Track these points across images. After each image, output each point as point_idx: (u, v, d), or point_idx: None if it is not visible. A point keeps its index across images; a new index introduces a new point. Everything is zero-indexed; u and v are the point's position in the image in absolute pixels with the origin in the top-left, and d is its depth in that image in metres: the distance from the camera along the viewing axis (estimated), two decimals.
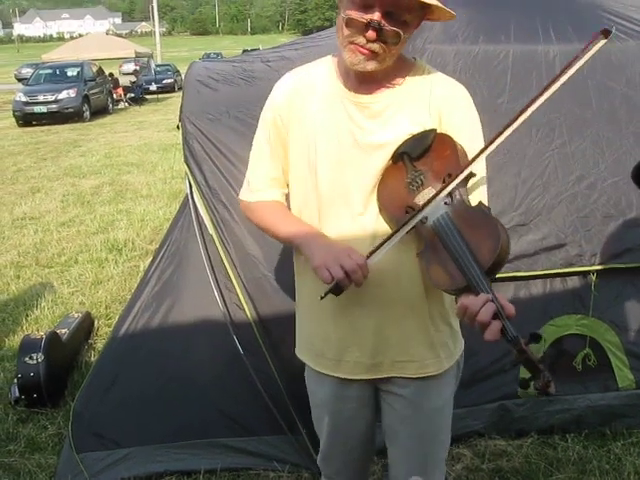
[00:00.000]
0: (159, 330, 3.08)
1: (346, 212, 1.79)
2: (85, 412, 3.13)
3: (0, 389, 3.96)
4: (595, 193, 3.07)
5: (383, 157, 1.76)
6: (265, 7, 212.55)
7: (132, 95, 25.29)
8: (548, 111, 3.02)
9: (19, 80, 34.67)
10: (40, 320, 4.99)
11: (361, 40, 1.63)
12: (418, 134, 1.74)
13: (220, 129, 3.13)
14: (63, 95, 19.74)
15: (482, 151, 1.68)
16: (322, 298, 1.73)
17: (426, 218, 1.68)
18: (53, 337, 3.93)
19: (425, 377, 1.90)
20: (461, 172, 1.66)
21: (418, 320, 1.86)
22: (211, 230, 3.05)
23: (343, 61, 1.73)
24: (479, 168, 1.75)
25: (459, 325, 1.96)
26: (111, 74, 25.04)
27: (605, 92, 3.15)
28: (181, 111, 3.19)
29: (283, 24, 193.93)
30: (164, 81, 28.93)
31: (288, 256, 2.88)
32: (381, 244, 1.71)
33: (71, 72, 21.81)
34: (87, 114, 20.23)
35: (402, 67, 1.79)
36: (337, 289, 1.70)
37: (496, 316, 1.49)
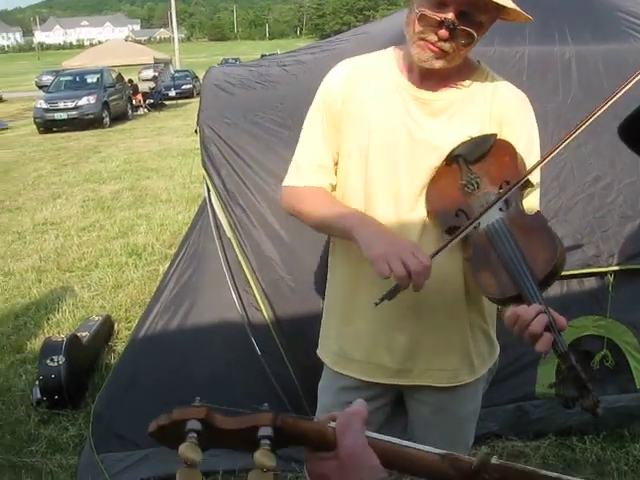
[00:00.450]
0: (178, 332, 3.11)
1: (393, 209, 1.73)
2: (105, 413, 3.16)
3: (22, 391, 4.00)
4: (612, 194, 3.06)
5: (438, 156, 1.71)
6: (283, 12, 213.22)
7: (151, 101, 25.43)
8: (563, 112, 3.02)
9: (40, 87, 34.93)
10: (61, 323, 5.04)
11: (432, 37, 1.59)
12: (477, 138, 1.70)
13: (237, 133, 3.15)
14: (83, 102, 19.89)
15: (543, 160, 1.66)
16: (377, 304, 1.60)
17: (479, 223, 1.64)
18: (74, 340, 3.98)
19: (456, 386, 1.85)
20: (522, 179, 1.63)
21: (456, 328, 1.81)
22: (229, 233, 3.08)
23: (408, 55, 1.70)
24: (536, 177, 1.72)
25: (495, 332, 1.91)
26: (130, 80, 25.21)
27: None
28: (199, 116, 3.22)
29: (301, 29, 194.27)
30: (183, 87, 29.07)
31: (305, 258, 2.92)
32: (442, 247, 1.62)
33: (91, 79, 21.98)
34: (107, 120, 20.36)
35: (466, 68, 1.75)
36: (393, 293, 1.57)
37: (548, 328, 1.45)
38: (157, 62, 32.54)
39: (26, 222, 8.37)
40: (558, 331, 1.46)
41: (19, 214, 8.86)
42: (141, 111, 24.42)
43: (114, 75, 22.97)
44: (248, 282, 3.04)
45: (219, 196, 3.10)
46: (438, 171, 1.71)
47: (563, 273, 3.01)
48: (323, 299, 1.99)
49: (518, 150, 1.69)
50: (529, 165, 1.68)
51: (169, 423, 0.84)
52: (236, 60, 36.40)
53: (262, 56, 6.19)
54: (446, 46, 1.59)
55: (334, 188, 1.84)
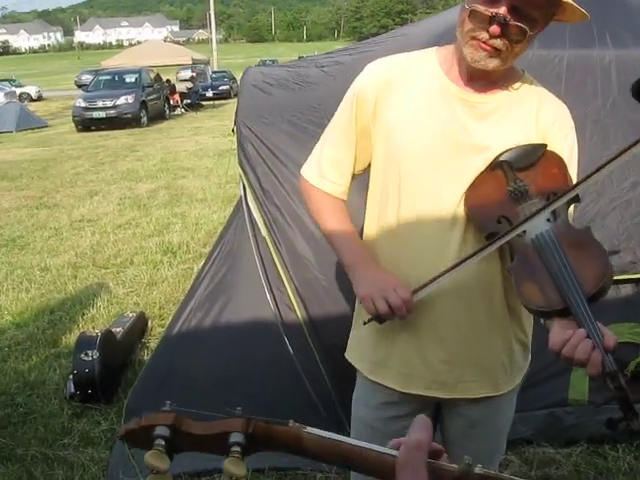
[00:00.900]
0: (211, 329, 3.14)
1: (433, 212, 1.70)
2: (137, 408, 3.19)
3: (56, 385, 4.07)
4: None
5: (483, 161, 1.67)
6: (321, 15, 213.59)
7: (188, 101, 25.64)
8: (602, 117, 2.99)
9: (79, 86, 35.50)
10: (96, 319, 5.11)
11: (484, 35, 1.55)
12: (526, 146, 1.67)
13: (274, 133, 3.17)
14: (121, 101, 20.14)
15: (591, 174, 1.59)
16: (365, 324, 1.73)
17: (524, 232, 1.60)
18: (108, 335, 4.03)
19: (493, 396, 1.83)
20: (571, 190, 1.59)
21: (495, 340, 1.78)
22: (264, 231, 3.10)
23: (456, 56, 1.68)
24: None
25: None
26: (168, 80, 25.46)
27: None
28: (236, 115, 3.24)
29: (339, 31, 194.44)
30: (220, 87, 29.30)
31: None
32: (430, 281, 1.65)
33: (129, 78, 22.25)
34: (144, 119, 20.59)
35: (511, 75, 1.72)
36: (381, 319, 1.70)
37: (594, 347, 1.41)
38: (195, 63, 32.89)
39: (63, 219, 8.50)
40: (605, 349, 1.41)
41: (56, 211, 9.00)
42: (178, 111, 24.64)
43: (152, 75, 23.22)
44: (282, 281, 3.06)
45: (255, 195, 3.13)
46: (481, 176, 1.67)
47: None
48: (355, 300, 1.99)
49: None
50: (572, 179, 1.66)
51: (138, 428, 0.83)
52: (274, 62, 36.61)
53: (299, 58, 6.22)
54: (498, 44, 1.55)
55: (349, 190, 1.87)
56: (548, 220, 1.60)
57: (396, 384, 1.83)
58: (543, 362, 3.07)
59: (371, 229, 1.83)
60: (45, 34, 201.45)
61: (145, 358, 4.29)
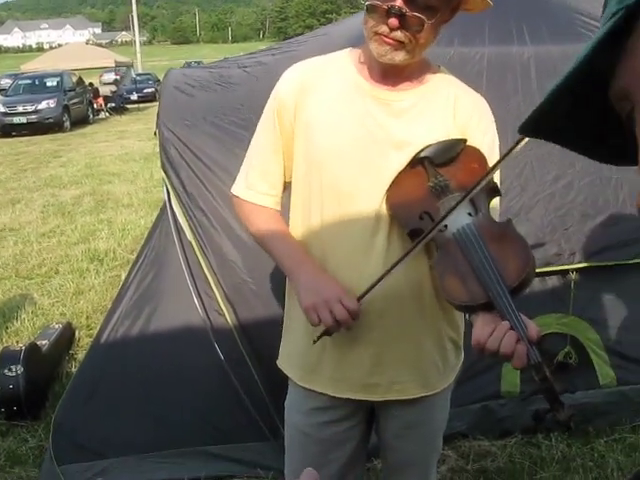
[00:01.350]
0: (139, 338, 3.06)
1: (356, 211, 1.69)
2: (66, 423, 3.10)
3: None
4: (572, 192, 3.09)
5: (403, 158, 1.67)
6: (245, 15, 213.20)
7: (113, 105, 25.21)
8: (522, 112, 3.03)
9: None
10: (20, 332, 4.94)
11: (384, 29, 1.55)
12: (446, 141, 1.67)
13: (197, 135, 3.12)
14: (43, 105, 19.60)
15: (497, 163, 1.60)
16: (315, 342, 1.67)
17: (445, 226, 1.60)
18: (33, 348, 3.90)
19: (426, 396, 1.81)
20: (483, 179, 1.57)
21: (426, 338, 1.77)
22: (190, 236, 3.04)
23: (368, 54, 1.66)
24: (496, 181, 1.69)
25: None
26: (91, 84, 24.95)
27: None
28: (158, 118, 3.18)
29: (264, 32, 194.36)
30: (145, 90, 28.88)
31: (267, 261, 2.88)
32: (375, 283, 1.61)
33: (50, 82, 21.68)
34: (67, 124, 20.10)
35: (426, 70, 1.73)
36: (328, 332, 1.65)
37: (518, 339, 1.41)
38: (118, 65, 32.35)
39: None
40: (529, 340, 1.41)
41: None
42: (102, 115, 24.18)
43: (74, 79, 22.69)
44: (210, 286, 3.01)
45: (179, 199, 3.06)
46: (401, 173, 1.67)
47: None
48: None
49: None
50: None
51: None
52: (199, 63, 36.28)
53: (225, 59, 6.13)
54: (400, 35, 1.55)
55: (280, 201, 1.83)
56: (469, 214, 1.60)
57: (328, 389, 1.81)
58: (475, 356, 3.11)
59: (296, 232, 1.80)
60: None
61: (73, 370, 4.17)
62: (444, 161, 1.66)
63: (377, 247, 1.69)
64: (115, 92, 27.05)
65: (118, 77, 32.71)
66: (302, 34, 4.49)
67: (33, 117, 19.44)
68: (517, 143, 1.53)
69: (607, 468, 3.03)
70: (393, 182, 1.67)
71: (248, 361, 2.96)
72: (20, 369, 3.66)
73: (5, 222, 8.46)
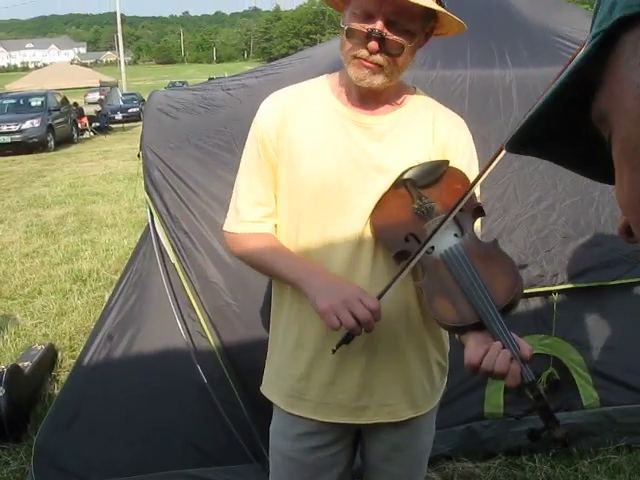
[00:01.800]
0: (122, 361, 3.04)
1: (342, 237, 1.68)
2: (48, 446, 3.07)
3: None
4: (554, 214, 3.11)
5: (385, 181, 1.67)
6: (230, 36, 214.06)
7: (97, 124, 25.16)
8: (504, 134, 3.06)
9: None
10: (2, 353, 4.89)
11: (364, 53, 1.56)
12: (428, 163, 1.67)
13: (181, 157, 3.12)
14: (27, 125, 19.52)
15: (475, 181, 1.59)
16: (334, 351, 1.61)
17: (432, 248, 1.60)
18: (15, 370, 3.86)
19: (412, 418, 1.80)
20: (466, 194, 1.57)
21: (413, 359, 1.76)
22: (173, 258, 3.03)
23: (346, 79, 1.67)
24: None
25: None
26: (75, 103, 24.90)
27: None
28: (141, 140, 3.18)
29: (248, 52, 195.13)
30: (129, 110, 28.92)
31: (250, 283, 2.89)
32: (391, 283, 1.59)
33: (35, 102, 21.61)
34: (51, 144, 20.02)
35: (403, 93, 1.74)
36: (348, 338, 1.58)
37: (512, 358, 1.41)
38: (103, 85, 32.38)
39: None
40: (522, 359, 1.42)
41: None
42: (87, 135, 24.13)
43: (59, 98, 22.63)
44: (193, 308, 3.00)
45: (162, 221, 3.06)
46: (385, 196, 1.67)
47: None
48: (269, 325, 1.95)
49: None
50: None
51: None
52: (183, 83, 36.39)
53: (210, 79, 6.16)
54: (379, 59, 1.56)
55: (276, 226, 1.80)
56: (455, 235, 1.61)
57: (315, 414, 1.79)
58: (458, 378, 3.12)
59: None
60: None
61: (55, 392, 4.13)
62: (427, 183, 1.66)
63: (361, 270, 1.69)
64: (99, 112, 27.02)
65: (103, 97, 32.70)
66: (286, 54, 4.53)
67: (17, 137, 19.34)
68: (496, 156, 1.55)
69: None
70: (377, 205, 1.67)
71: (231, 383, 2.95)
72: (2, 391, 3.62)
73: None
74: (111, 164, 15.89)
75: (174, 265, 3.03)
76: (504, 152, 1.53)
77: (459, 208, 1.57)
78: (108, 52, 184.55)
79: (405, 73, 1.72)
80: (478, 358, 1.43)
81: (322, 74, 1.84)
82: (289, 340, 1.80)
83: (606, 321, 3.23)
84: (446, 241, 1.60)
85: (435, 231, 1.57)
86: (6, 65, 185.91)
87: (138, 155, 3.21)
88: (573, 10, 4.10)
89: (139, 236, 3.49)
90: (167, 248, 3.05)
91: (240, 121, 2.90)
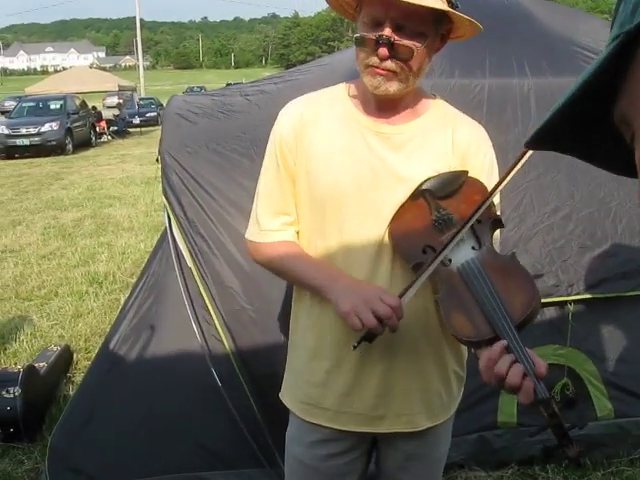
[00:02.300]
0: (137, 363, 3.06)
1: (360, 246, 1.67)
2: (62, 447, 3.09)
3: None
4: (571, 224, 3.10)
5: (404, 192, 1.65)
6: (248, 42, 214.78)
7: (115, 128, 25.29)
8: (522, 144, 3.06)
9: (2, 113, 34.61)
10: (18, 354, 4.93)
11: (375, 60, 1.56)
12: (447, 174, 1.66)
13: (199, 162, 3.14)
14: (46, 128, 19.64)
15: (493, 191, 1.60)
16: (355, 348, 1.60)
17: (450, 260, 1.59)
18: (31, 371, 3.89)
19: (430, 428, 1.80)
20: (487, 199, 1.57)
21: (432, 368, 1.76)
22: (189, 262, 3.05)
23: (363, 88, 1.66)
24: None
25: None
26: (94, 107, 25.06)
27: None
28: (160, 144, 3.20)
29: (266, 58, 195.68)
30: (147, 114, 29.06)
31: (266, 288, 2.91)
32: (411, 284, 1.59)
33: (54, 105, 21.76)
34: (70, 147, 20.13)
35: (423, 101, 1.73)
36: (370, 336, 1.58)
37: (525, 375, 1.39)
38: (122, 89, 32.53)
39: None
40: (537, 376, 1.40)
41: None
42: (105, 138, 24.25)
43: (77, 102, 22.79)
44: (209, 312, 3.01)
45: (180, 225, 3.07)
46: (403, 206, 1.66)
47: None
48: (284, 330, 1.96)
49: None
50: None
51: None
52: (201, 89, 36.58)
53: (228, 84, 6.19)
54: (390, 65, 1.55)
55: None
56: (473, 248, 1.60)
57: (332, 423, 1.79)
58: (472, 386, 3.10)
59: None
60: None
61: (70, 393, 4.15)
62: (446, 194, 1.65)
63: (380, 280, 1.68)
64: (118, 116, 27.17)
65: (121, 101, 32.90)
66: (304, 61, 4.55)
67: (36, 139, 19.47)
68: (518, 160, 1.53)
69: None
70: (395, 216, 1.66)
71: (245, 387, 2.96)
72: (18, 391, 3.66)
73: (6, 243, 8.47)
74: (128, 168, 15.98)
75: (190, 269, 3.05)
76: (526, 155, 1.53)
77: (477, 217, 1.57)
78: (127, 56, 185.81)
79: (423, 81, 1.72)
80: (493, 362, 1.42)
81: (341, 81, 1.84)
82: (307, 347, 1.80)
83: (621, 332, 3.21)
84: (463, 254, 1.59)
85: (452, 239, 1.56)
86: (26, 68, 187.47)
87: (157, 159, 3.23)
88: (592, 20, 4.10)
89: (155, 240, 3.51)
90: (184, 252, 3.06)
91: (258, 127, 2.92)
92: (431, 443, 1.86)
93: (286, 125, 1.74)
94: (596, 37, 3.51)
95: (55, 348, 4.62)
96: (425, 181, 1.65)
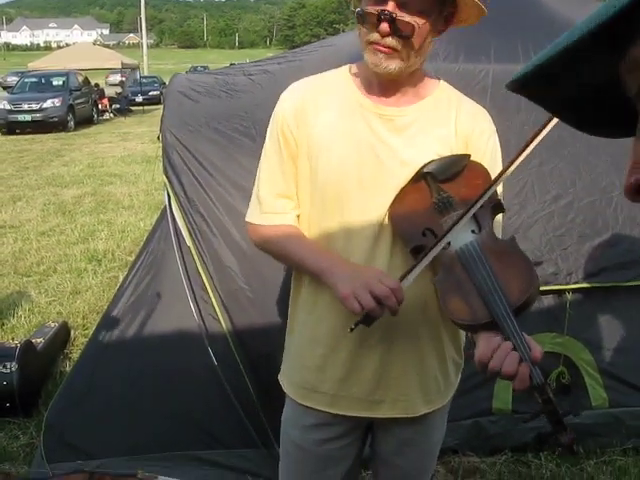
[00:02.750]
0: (134, 341, 3.07)
1: (361, 230, 1.66)
2: (58, 422, 3.10)
3: None
4: (571, 212, 3.10)
5: (406, 174, 1.64)
6: (253, 22, 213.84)
7: (117, 106, 25.23)
8: (525, 130, 3.04)
9: (4, 88, 34.50)
10: (16, 329, 4.94)
11: (376, 37, 1.54)
12: (449, 157, 1.64)
13: (200, 140, 3.12)
14: (48, 104, 19.59)
15: (498, 177, 1.57)
16: (352, 330, 1.57)
17: (449, 244, 1.57)
18: (28, 346, 3.90)
19: (426, 414, 1.79)
20: (483, 194, 1.55)
21: (428, 354, 1.75)
22: (188, 241, 3.05)
23: (366, 70, 1.64)
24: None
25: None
26: (97, 84, 25.00)
27: None
28: (162, 122, 3.19)
29: (271, 39, 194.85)
30: (150, 93, 28.93)
31: (264, 269, 2.90)
32: (411, 268, 1.56)
33: (56, 81, 21.70)
34: (72, 124, 20.08)
35: (427, 84, 1.71)
36: (368, 319, 1.55)
37: (521, 360, 1.38)
38: (125, 67, 32.36)
39: None
40: (532, 361, 1.39)
41: None
42: (107, 116, 24.21)
43: (80, 79, 22.71)
44: (207, 291, 3.01)
45: (179, 203, 3.07)
46: (404, 189, 1.64)
47: None
48: (281, 311, 1.95)
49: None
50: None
51: None
52: (205, 68, 36.30)
53: (231, 64, 6.17)
54: (391, 42, 1.54)
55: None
56: (473, 232, 1.59)
57: (329, 407, 1.78)
58: (467, 372, 3.11)
59: None
60: None
61: (67, 370, 4.16)
62: (448, 177, 1.64)
63: (379, 263, 1.67)
64: (120, 93, 27.09)
65: (124, 79, 32.76)
66: (309, 43, 4.50)
67: (38, 115, 19.42)
68: (533, 138, 1.48)
69: None
70: (396, 198, 1.65)
71: (241, 367, 2.97)
72: (14, 366, 3.66)
73: (5, 219, 8.47)
74: (130, 146, 15.96)
75: (189, 248, 3.05)
76: (542, 134, 1.48)
77: (480, 204, 1.55)
78: (131, 34, 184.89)
79: (427, 65, 1.70)
80: (486, 357, 1.41)
81: (345, 63, 1.82)
82: (305, 332, 1.79)
83: (619, 322, 3.22)
84: (463, 237, 1.57)
85: (453, 226, 1.55)
86: (29, 44, 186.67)
87: (158, 137, 3.21)
88: (599, 6, 4.06)
89: (155, 218, 3.51)
90: (183, 231, 3.06)
91: (261, 106, 2.91)
92: (427, 429, 1.86)
93: (288, 108, 1.72)
94: None
95: (53, 324, 4.62)
96: (427, 164, 1.64)
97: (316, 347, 1.76)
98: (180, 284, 3.03)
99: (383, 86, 1.66)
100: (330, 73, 1.78)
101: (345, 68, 1.77)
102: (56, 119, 19.56)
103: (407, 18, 1.52)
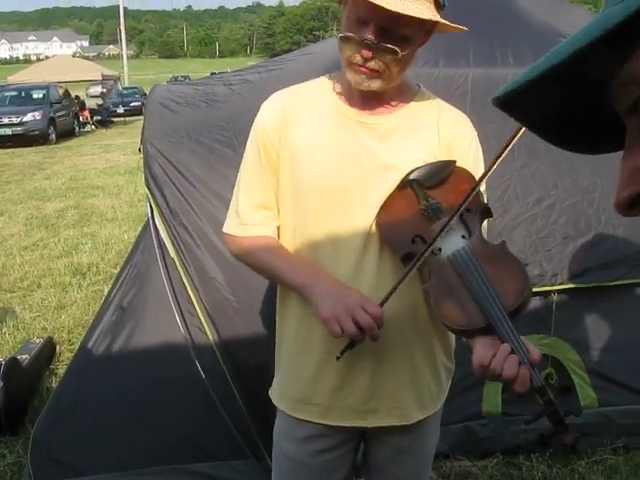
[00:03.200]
0: (120, 355, 3.04)
1: (347, 238, 1.65)
2: (45, 439, 3.07)
3: None
4: (554, 214, 3.11)
5: (391, 182, 1.64)
6: (233, 31, 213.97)
7: (99, 118, 25.13)
8: (505, 134, 3.05)
9: None
10: (1, 346, 4.88)
11: (359, 59, 1.55)
12: (435, 163, 1.65)
13: (181, 152, 3.11)
14: (28, 117, 19.48)
15: (480, 180, 1.59)
16: (338, 358, 1.59)
17: (440, 250, 1.57)
18: (13, 363, 3.86)
19: (419, 421, 1.78)
20: (473, 189, 1.55)
21: (419, 361, 1.74)
22: (172, 253, 3.03)
23: (347, 81, 1.64)
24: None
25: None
26: (77, 97, 24.87)
27: None
28: (142, 134, 3.17)
29: (251, 48, 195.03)
30: (131, 104, 28.84)
31: (250, 279, 2.88)
32: (392, 289, 1.56)
33: (37, 94, 21.56)
34: (53, 137, 19.97)
35: (407, 91, 1.72)
36: (352, 344, 1.57)
37: (520, 363, 1.38)
38: (105, 79, 32.25)
39: None
40: (531, 363, 1.39)
41: None
42: (88, 128, 24.09)
43: (61, 91, 22.59)
44: (192, 303, 2.99)
45: (162, 215, 3.05)
46: (391, 196, 1.64)
47: None
48: (268, 321, 1.94)
49: None
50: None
51: None
52: (185, 78, 36.34)
53: (212, 74, 6.16)
54: (374, 65, 1.55)
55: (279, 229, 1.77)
56: (463, 237, 1.59)
57: (323, 418, 1.77)
58: (457, 376, 3.10)
59: None
60: None
61: (53, 386, 4.13)
62: (434, 183, 1.64)
63: (367, 272, 1.66)
64: (101, 105, 26.98)
65: (105, 90, 32.64)
66: (289, 50, 4.51)
67: (18, 129, 19.30)
68: (508, 143, 1.51)
69: None
70: (383, 206, 1.65)
71: (229, 378, 2.95)
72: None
73: None
74: (112, 158, 15.88)
75: (173, 260, 3.03)
76: (515, 138, 1.51)
77: (465, 206, 1.56)
78: (111, 45, 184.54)
79: (407, 71, 1.70)
80: (487, 360, 1.41)
81: (325, 70, 1.82)
82: (295, 343, 1.78)
83: (605, 322, 3.23)
84: (453, 243, 1.57)
85: (441, 231, 1.55)
86: (8, 57, 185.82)
87: (139, 149, 3.20)
88: (576, 10, 4.10)
89: (139, 230, 3.49)
90: (167, 243, 3.04)
91: (242, 117, 2.89)
92: (422, 437, 1.86)
93: (268, 118, 1.72)
94: (579, 27, 3.50)
95: (38, 340, 4.58)
96: (412, 171, 1.64)
97: (308, 357, 1.75)
98: (165, 296, 3.00)
99: (364, 97, 1.66)
100: (311, 83, 1.78)
101: (325, 78, 1.77)
102: (37, 132, 19.44)
103: (389, 45, 1.52)
